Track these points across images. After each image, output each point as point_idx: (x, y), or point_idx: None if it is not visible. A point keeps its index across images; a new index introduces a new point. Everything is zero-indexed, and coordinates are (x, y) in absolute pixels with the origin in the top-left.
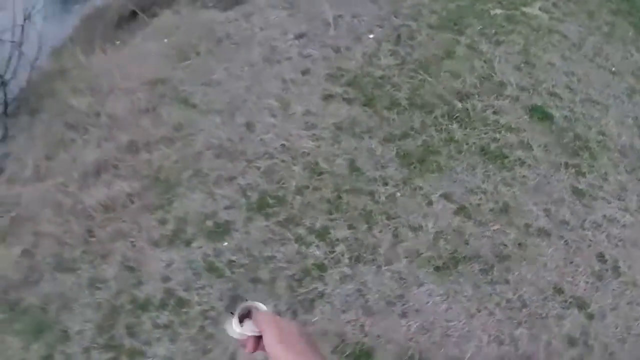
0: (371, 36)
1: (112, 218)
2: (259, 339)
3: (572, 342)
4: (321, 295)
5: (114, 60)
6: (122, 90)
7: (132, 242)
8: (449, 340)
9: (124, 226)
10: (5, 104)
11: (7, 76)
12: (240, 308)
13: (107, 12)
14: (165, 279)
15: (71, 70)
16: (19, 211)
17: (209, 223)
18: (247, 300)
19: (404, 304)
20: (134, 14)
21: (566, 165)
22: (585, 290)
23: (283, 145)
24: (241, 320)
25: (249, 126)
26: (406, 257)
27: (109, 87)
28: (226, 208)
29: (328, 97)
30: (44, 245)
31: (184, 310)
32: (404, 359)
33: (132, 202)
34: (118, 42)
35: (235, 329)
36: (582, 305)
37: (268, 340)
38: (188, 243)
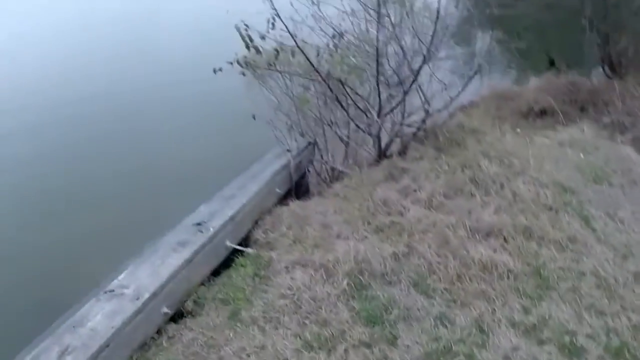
0: None
1: (484, 278)
2: None
3: None
4: None
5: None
6: (532, 179)
7: (492, 309)
8: None
9: (491, 292)
10: None
11: None
12: None
13: None
14: (506, 357)
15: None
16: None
17: (566, 338)
18: None
19: None
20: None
21: None
22: None
23: None
24: None
25: (636, 278)
26: None
27: (521, 168)
28: (587, 336)
29: None
30: (415, 256)
31: None
32: None
33: (508, 278)
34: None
35: None
36: None
37: None
38: (540, 342)
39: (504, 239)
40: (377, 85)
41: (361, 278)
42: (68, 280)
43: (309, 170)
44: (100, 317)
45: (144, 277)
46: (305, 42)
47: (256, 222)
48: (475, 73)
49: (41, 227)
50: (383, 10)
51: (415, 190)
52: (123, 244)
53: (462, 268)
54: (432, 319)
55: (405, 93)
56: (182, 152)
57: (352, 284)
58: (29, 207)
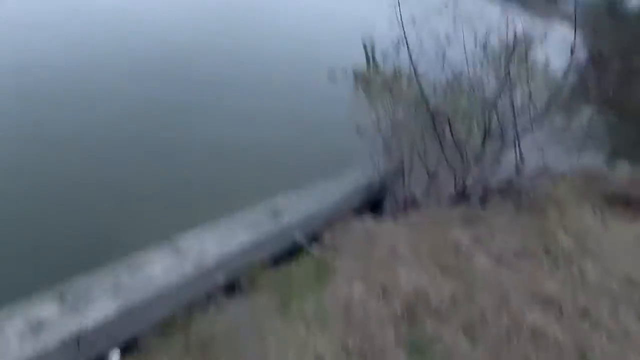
0: None
1: (531, 344)
2: None
3: None
4: None
5: None
6: (602, 264)
7: None
8: None
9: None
10: None
11: None
12: None
13: None
14: None
15: None
16: (470, 270)
17: None
18: None
19: None
20: None
21: None
22: None
23: None
24: None
25: None
26: None
27: (594, 251)
28: None
29: None
30: (472, 304)
31: None
32: None
33: (554, 351)
34: None
35: None
36: None
37: None
38: None
39: (560, 312)
40: (485, 132)
41: (416, 308)
42: (135, 230)
43: (389, 193)
44: (159, 267)
45: (211, 243)
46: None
47: (328, 226)
48: (574, 148)
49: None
50: (509, 67)
51: (487, 242)
52: (197, 208)
53: (514, 327)
54: None
55: (504, 147)
56: (277, 141)
57: (406, 311)
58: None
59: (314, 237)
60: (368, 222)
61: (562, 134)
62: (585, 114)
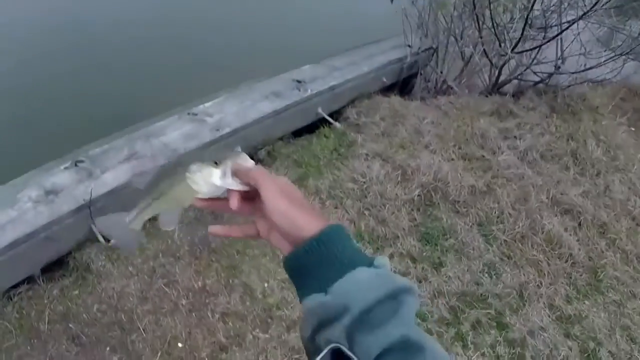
0: None
1: (545, 251)
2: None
3: None
4: None
5: None
6: (630, 182)
7: (539, 283)
8: None
9: (545, 266)
10: None
11: None
12: (221, 156)
13: None
14: (530, 332)
15: None
16: (493, 164)
17: (591, 345)
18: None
19: None
20: None
21: None
22: None
23: None
24: None
25: None
26: None
27: (623, 166)
28: (610, 353)
29: None
30: (490, 199)
31: None
32: None
33: (566, 262)
34: None
35: (221, 180)
36: None
37: (269, 194)
38: (567, 335)
39: (579, 224)
40: (526, 20)
41: (433, 195)
42: (151, 99)
43: (420, 73)
44: (177, 135)
45: (230, 112)
46: None
47: (353, 101)
48: (622, 54)
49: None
50: None
51: (515, 137)
52: (217, 76)
53: (529, 231)
54: (481, 264)
55: (546, 41)
56: (304, 5)
57: (423, 197)
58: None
59: (338, 112)
60: (395, 101)
61: (610, 38)
62: None
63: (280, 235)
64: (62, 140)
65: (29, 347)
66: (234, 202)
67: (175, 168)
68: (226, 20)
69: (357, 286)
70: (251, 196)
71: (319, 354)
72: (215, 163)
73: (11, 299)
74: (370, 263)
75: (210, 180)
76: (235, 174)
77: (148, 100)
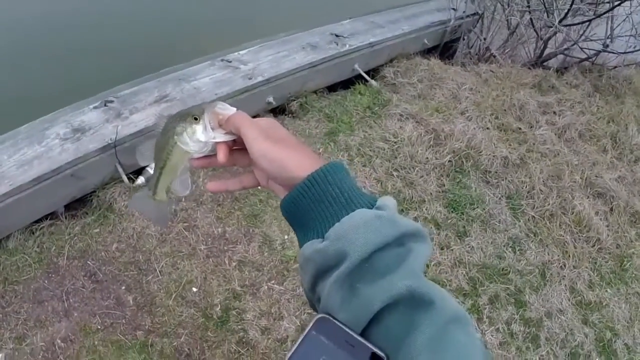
0: None
1: (572, 232)
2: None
3: None
4: None
5: None
6: None
7: (563, 264)
8: None
9: (571, 248)
10: None
11: None
12: (201, 109)
13: None
14: (548, 314)
15: None
16: (529, 137)
17: (608, 335)
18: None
19: None
20: None
21: None
22: None
23: None
24: None
25: None
26: None
27: None
28: (625, 345)
29: None
30: (523, 172)
31: None
32: None
33: (593, 246)
34: None
35: (204, 134)
36: None
37: (250, 138)
38: (584, 321)
39: (611, 209)
40: None
41: (464, 162)
42: (187, 47)
43: (463, 39)
44: (208, 80)
45: (264, 61)
46: None
47: (391, 61)
48: None
49: None
50: None
51: (554, 113)
52: (254, 24)
53: (559, 210)
54: (506, 238)
55: (597, 16)
56: None
57: (453, 163)
58: None
59: (375, 70)
60: (435, 64)
61: None
62: None
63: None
64: (94, 83)
65: (46, 281)
66: (221, 155)
67: (164, 135)
68: None
69: (356, 230)
70: (240, 145)
71: (318, 304)
72: (195, 118)
73: (33, 233)
74: (372, 204)
75: (195, 137)
76: (218, 124)
77: (183, 48)
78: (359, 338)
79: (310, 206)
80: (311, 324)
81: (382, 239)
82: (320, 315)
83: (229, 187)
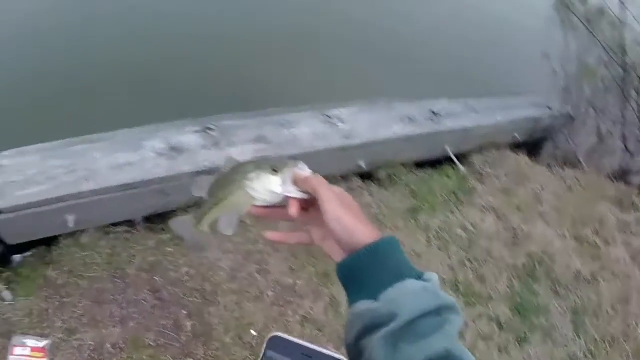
0: None
1: None
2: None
3: None
4: None
5: None
6: None
7: None
8: None
9: None
10: None
11: None
12: (284, 163)
13: None
14: None
15: None
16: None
17: None
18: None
19: None
20: None
21: None
22: None
23: None
24: None
25: None
26: None
27: None
28: None
29: None
30: (593, 289)
31: None
32: None
33: None
34: None
35: (282, 187)
36: None
37: (329, 203)
38: None
39: None
40: None
41: (538, 268)
42: (287, 88)
43: (552, 139)
44: (308, 131)
45: (363, 124)
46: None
47: (481, 149)
48: None
49: None
50: None
51: (632, 233)
52: (353, 85)
53: (621, 335)
54: (565, 354)
55: None
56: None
57: (527, 267)
58: None
59: (464, 155)
60: (522, 160)
61: None
62: None
63: (335, 242)
64: (187, 102)
65: (110, 285)
66: (294, 210)
67: (233, 175)
68: (382, 27)
69: (406, 296)
70: (306, 204)
71: (360, 358)
72: (275, 171)
73: (107, 235)
74: (419, 276)
75: (269, 187)
76: (295, 181)
77: (278, 89)
78: (316, 347)
79: (368, 270)
80: (264, 345)
81: (426, 307)
82: (271, 335)
83: (287, 240)
